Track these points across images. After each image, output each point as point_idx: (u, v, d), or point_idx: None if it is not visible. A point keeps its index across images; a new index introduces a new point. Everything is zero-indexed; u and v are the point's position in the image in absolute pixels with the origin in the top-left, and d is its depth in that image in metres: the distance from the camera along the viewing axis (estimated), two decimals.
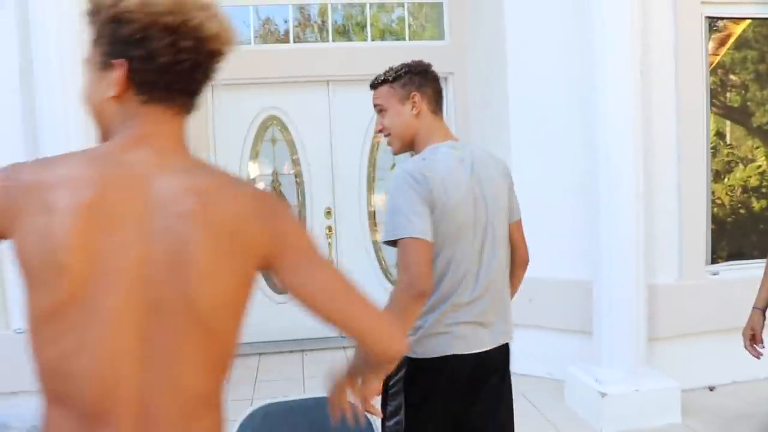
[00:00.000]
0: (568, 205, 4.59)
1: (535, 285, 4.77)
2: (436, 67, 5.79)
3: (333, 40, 5.89)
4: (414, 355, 2.12)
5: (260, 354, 5.64)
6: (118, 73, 1.16)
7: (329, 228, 5.90)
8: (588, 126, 4.19)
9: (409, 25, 5.98)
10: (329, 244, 5.90)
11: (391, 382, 2.20)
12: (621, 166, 3.95)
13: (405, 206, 2.02)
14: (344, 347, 5.57)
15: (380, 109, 2.30)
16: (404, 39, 5.92)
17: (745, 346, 2.75)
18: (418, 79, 2.25)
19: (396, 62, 5.83)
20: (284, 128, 5.87)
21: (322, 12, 5.98)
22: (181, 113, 1.25)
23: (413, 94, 2.23)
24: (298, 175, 5.92)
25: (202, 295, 1.13)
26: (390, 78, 2.28)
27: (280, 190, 5.92)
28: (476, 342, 2.16)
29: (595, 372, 4.08)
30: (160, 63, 1.15)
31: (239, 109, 5.79)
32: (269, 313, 5.87)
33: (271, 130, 5.87)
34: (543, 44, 4.69)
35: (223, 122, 5.76)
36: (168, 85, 1.19)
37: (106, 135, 1.23)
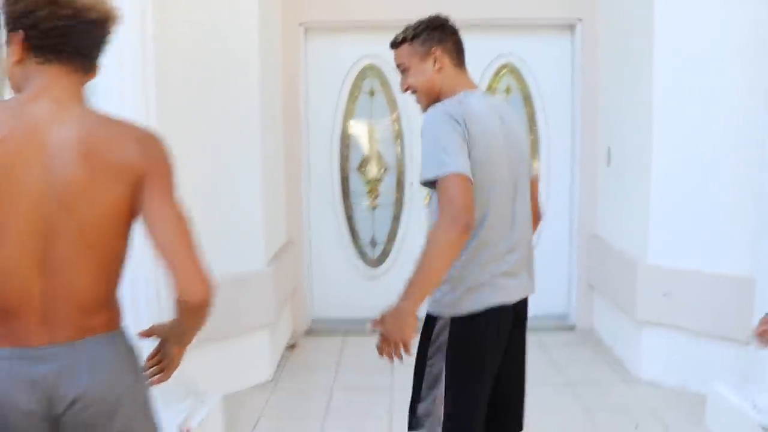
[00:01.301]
0: (726, 183, 3.72)
1: (674, 277, 3.97)
2: (561, 13, 5.00)
3: None
4: (460, 313, 2.12)
5: (345, 334, 5.05)
6: (16, 42, 1.48)
7: (430, 196, 5.20)
8: (761, 84, 3.29)
9: None
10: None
11: (428, 353, 2.17)
12: None
13: (447, 143, 2.00)
14: None
15: (403, 69, 2.31)
16: None
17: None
18: (438, 34, 2.24)
19: (513, 7, 5.06)
20: (384, 80, 5.19)
21: None
22: (76, 72, 1.52)
23: (434, 49, 2.24)
24: (397, 132, 5.25)
25: (90, 219, 1.46)
26: (409, 36, 2.27)
27: (377, 151, 5.27)
28: (513, 292, 2.20)
29: (753, 395, 3.24)
30: (43, 29, 1.46)
31: (335, 57, 5.16)
32: (357, 289, 5.30)
33: (369, 82, 5.20)
34: None
35: (316, 70, 5.14)
36: (55, 47, 1.48)
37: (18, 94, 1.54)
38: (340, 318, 5.23)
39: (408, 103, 5.10)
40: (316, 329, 5.18)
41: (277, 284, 4.26)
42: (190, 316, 1.54)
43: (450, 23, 2.29)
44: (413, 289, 1.99)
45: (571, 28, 5.03)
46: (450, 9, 4.98)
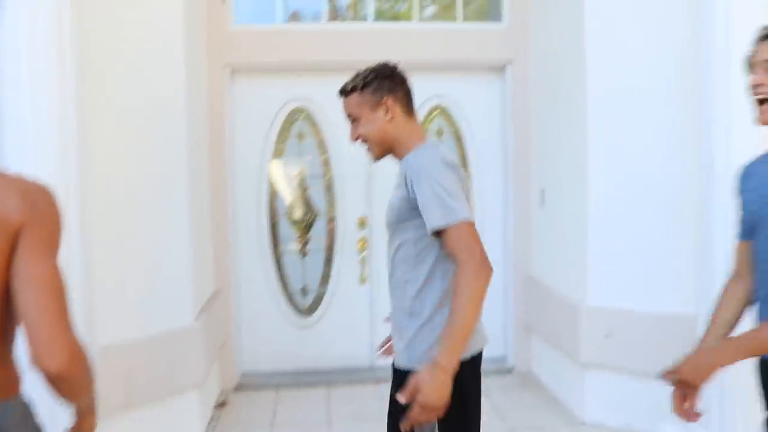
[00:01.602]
0: (665, 221, 3.72)
1: (616, 317, 3.92)
2: (492, 55, 4.98)
3: (374, 20, 5.05)
4: None
5: (278, 387, 4.80)
6: None
7: (363, 241, 5.06)
8: (699, 123, 3.31)
9: (464, 3, 5.11)
10: (362, 258, 5.06)
11: None
12: None
13: (452, 189, 1.98)
14: (377, 380, 4.72)
15: (353, 118, 2.23)
16: (455, 20, 5.07)
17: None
18: (388, 83, 2.20)
19: (444, 49, 4.98)
20: (314, 123, 5.04)
21: None
22: None
23: (385, 99, 2.18)
24: (328, 177, 5.09)
25: None
26: (359, 85, 2.20)
27: (307, 196, 5.09)
28: (484, 336, 2.23)
29: None
30: None
31: (263, 99, 4.98)
32: (289, 339, 5.08)
33: (299, 125, 5.05)
34: (638, 24, 3.80)
35: (243, 113, 4.95)
36: None
37: None
38: (271, 371, 4.97)
39: (338, 146, 5.00)
40: (246, 384, 4.89)
41: (206, 339, 3.99)
42: (52, 386, 1.39)
43: (399, 71, 2.26)
44: (453, 344, 1.89)
45: (503, 69, 5.04)
46: (381, 51, 4.94)
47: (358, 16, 5.15)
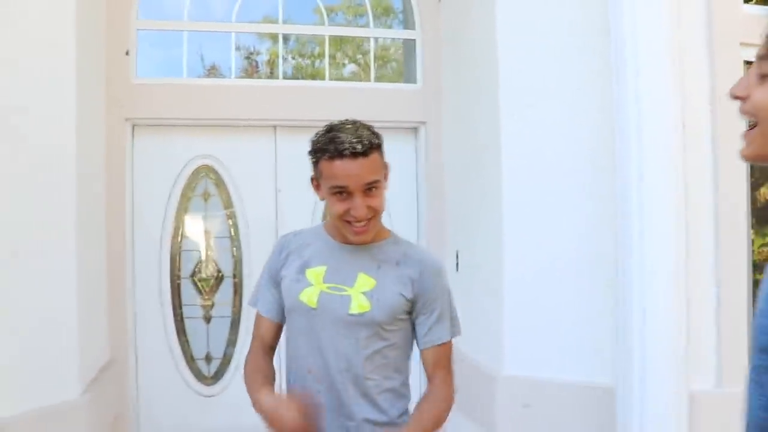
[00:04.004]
0: (583, 290, 3.63)
1: (533, 388, 3.80)
2: (406, 115, 4.89)
3: (283, 78, 4.92)
4: None
5: None
6: None
7: None
8: (613, 191, 3.28)
9: (375, 60, 5.06)
10: None
11: None
12: (660, 242, 3.04)
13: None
14: None
15: (374, 186, 1.71)
16: (368, 80, 5.00)
17: None
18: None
19: (361, 106, 4.73)
20: (220, 181, 4.82)
21: (272, 44, 5.04)
22: None
23: (386, 162, 1.80)
24: (234, 239, 4.85)
25: None
26: (381, 140, 1.74)
27: (212, 257, 4.82)
28: None
29: None
30: None
31: (166, 156, 4.72)
32: (192, 410, 4.74)
33: (204, 183, 4.81)
34: (553, 95, 3.77)
35: (145, 170, 4.67)
36: None
37: None
38: None
39: (245, 206, 4.78)
40: None
41: (95, 414, 3.63)
42: None
43: None
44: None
45: (416, 130, 4.97)
46: (294, 109, 4.76)
47: (274, 73, 5.01)
